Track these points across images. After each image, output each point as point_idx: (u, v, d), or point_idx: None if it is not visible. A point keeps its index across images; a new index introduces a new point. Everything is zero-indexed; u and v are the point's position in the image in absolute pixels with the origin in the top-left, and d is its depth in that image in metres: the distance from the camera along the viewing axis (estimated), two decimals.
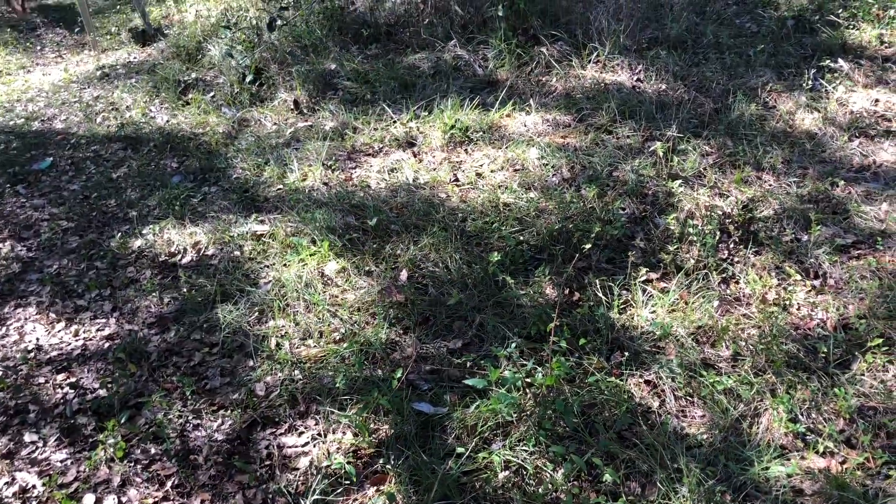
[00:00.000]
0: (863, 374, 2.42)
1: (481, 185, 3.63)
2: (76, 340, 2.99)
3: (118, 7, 7.50)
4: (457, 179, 3.74)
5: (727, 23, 4.89)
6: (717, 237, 3.01)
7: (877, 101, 3.93)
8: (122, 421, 2.52)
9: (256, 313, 2.98)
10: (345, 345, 2.72)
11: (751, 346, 2.55)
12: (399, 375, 2.49)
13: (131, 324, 3.05)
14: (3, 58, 6.66)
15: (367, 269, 3.11)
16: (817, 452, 2.19)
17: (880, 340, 2.50)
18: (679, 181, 3.36)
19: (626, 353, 2.56)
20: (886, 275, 2.82)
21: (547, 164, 3.70)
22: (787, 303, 2.73)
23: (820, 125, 3.76)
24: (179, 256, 3.46)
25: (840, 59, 4.21)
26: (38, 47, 7.02)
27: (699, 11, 5.01)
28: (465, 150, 4.01)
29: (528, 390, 2.40)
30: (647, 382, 2.48)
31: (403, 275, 3.05)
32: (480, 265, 3.03)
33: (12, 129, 5.06)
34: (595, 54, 4.55)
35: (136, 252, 3.53)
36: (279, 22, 5.05)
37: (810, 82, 4.03)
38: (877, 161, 3.52)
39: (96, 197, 4.08)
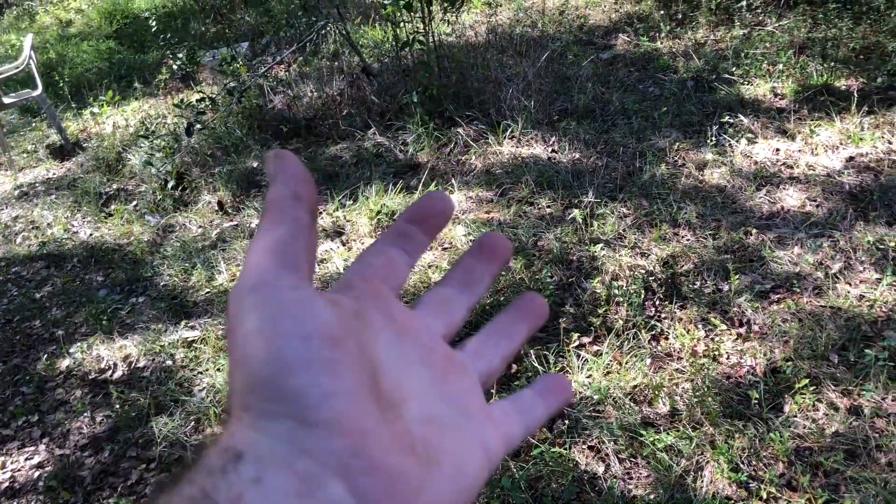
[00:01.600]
0: (795, 416, 2.49)
1: None
2: (3, 473, 2.86)
3: (33, 124, 7.44)
4: None
5: (631, 89, 5.13)
6: (643, 296, 3.09)
7: (777, 150, 4.15)
8: None
9: (193, 423, 2.90)
10: None
11: (686, 401, 2.60)
12: None
13: (63, 448, 2.94)
14: None
15: None
16: (761, 499, 2.23)
17: (807, 381, 2.58)
18: (601, 245, 3.46)
19: (567, 422, 2.57)
20: (806, 316, 2.92)
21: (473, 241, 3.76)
22: (717, 353, 2.81)
23: (728, 178, 3.94)
24: (110, 372, 3.37)
25: (739, 114, 4.45)
26: None
27: (604, 81, 5.25)
28: None
29: None
30: (591, 448, 2.50)
31: None
32: None
33: None
34: (510, 130, 4.70)
35: (65, 372, 3.43)
36: (198, 126, 5.09)
37: (714, 138, 4.24)
38: (784, 207, 3.69)
39: (19, 319, 3.96)
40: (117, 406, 3.11)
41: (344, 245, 4.03)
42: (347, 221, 4.24)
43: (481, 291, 0.44)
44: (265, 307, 0.30)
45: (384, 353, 0.34)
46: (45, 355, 3.56)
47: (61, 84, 7.13)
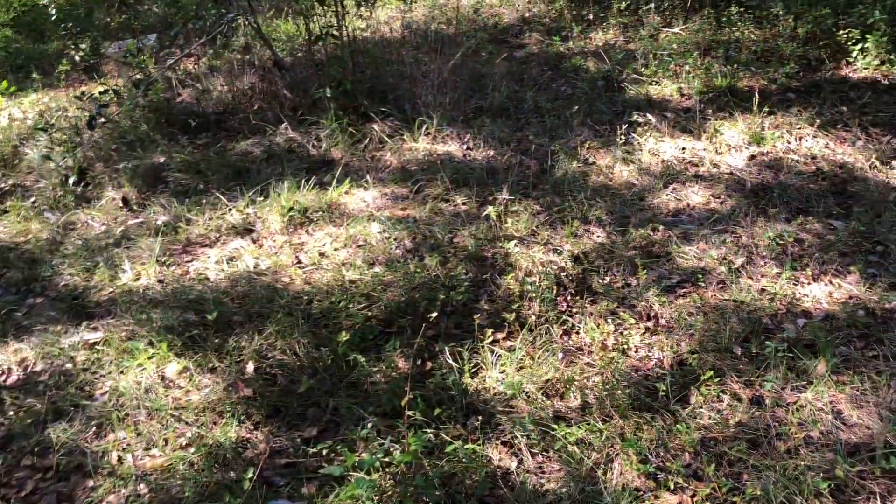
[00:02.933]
0: (700, 407, 2.56)
1: (325, 265, 3.61)
2: None
3: None
4: (299, 262, 3.70)
5: (544, 88, 5.19)
6: (555, 291, 3.13)
7: (683, 149, 4.27)
8: None
9: (94, 428, 2.78)
10: (192, 450, 2.59)
11: (596, 394, 2.65)
12: (250, 475, 2.38)
13: None
14: None
15: (210, 365, 2.99)
16: (669, 490, 2.28)
17: (712, 373, 2.66)
18: (514, 242, 3.48)
19: (481, 417, 2.58)
20: (710, 309, 3.02)
21: (389, 238, 3.74)
22: (626, 347, 2.87)
23: (636, 176, 4.03)
24: (4, 377, 3.19)
25: (647, 113, 4.56)
26: None
27: (518, 80, 5.30)
28: (307, 231, 3.99)
29: (386, 470, 2.36)
30: (504, 444, 2.51)
31: (250, 367, 2.96)
32: (329, 347, 2.99)
33: None
34: (424, 127, 4.69)
35: None
36: (101, 119, 4.88)
37: (623, 137, 4.33)
38: (690, 204, 3.80)
39: None
40: (11, 413, 2.94)
41: (255, 242, 3.94)
42: (259, 218, 4.15)
43: None
44: None
45: None
46: None
47: None
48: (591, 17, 6.07)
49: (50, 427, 2.80)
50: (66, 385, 3.04)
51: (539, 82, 5.27)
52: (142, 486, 2.49)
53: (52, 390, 3.03)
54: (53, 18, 7.52)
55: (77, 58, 6.85)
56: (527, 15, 6.44)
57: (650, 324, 2.98)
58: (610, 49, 5.55)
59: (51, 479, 2.60)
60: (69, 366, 3.16)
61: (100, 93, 5.01)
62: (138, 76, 5.36)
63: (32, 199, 4.80)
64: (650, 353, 2.84)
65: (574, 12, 6.18)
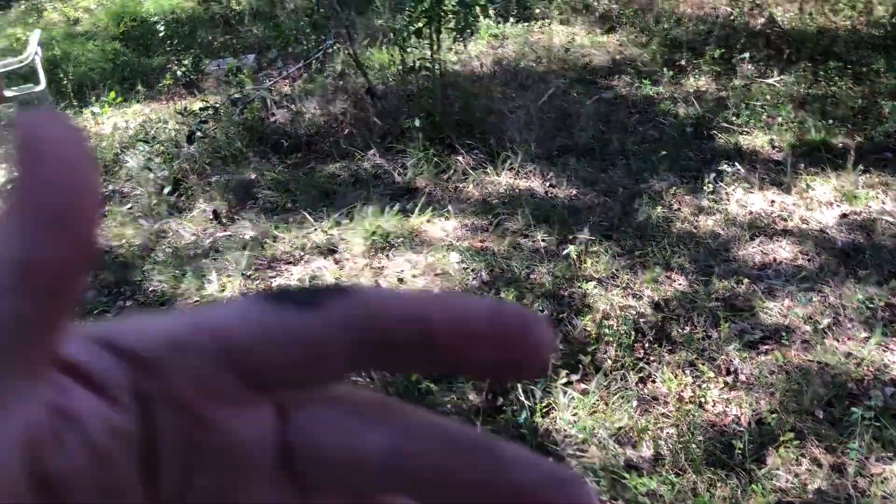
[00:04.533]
0: (778, 469, 2.49)
1: (403, 291, 3.66)
2: None
3: None
4: (378, 285, 3.77)
5: (631, 130, 5.18)
6: (633, 337, 3.10)
7: (773, 201, 4.19)
8: None
9: None
10: None
11: (670, 446, 2.60)
12: None
13: None
14: None
15: None
16: None
17: (791, 435, 2.59)
18: (593, 283, 3.47)
19: (551, 459, 2.56)
20: (793, 369, 2.94)
21: (467, 269, 3.78)
22: (703, 400, 2.81)
23: (722, 226, 3.97)
24: None
25: (737, 163, 4.49)
26: None
27: (605, 121, 5.30)
28: (387, 255, 4.06)
29: None
30: None
31: None
32: (402, 373, 3.02)
33: None
34: (508, 162, 4.73)
35: None
36: (199, 134, 5.09)
37: (710, 185, 4.28)
38: (776, 259, 3.72)
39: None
40: None
41: (336, 263, 4.03)
42: (342, 240, 4.24)
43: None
44: None
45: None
46: None
47: (65, 82, 7.12)
48: (683, 62, 6.03)
49: None
50: None
51: (626, 125, 5.25)
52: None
53: None
54: (161, 35, 7.90)
55: (179, 73, 7.16)
56: (618, 57, 6.44)
57: (729, 379, 2.92)
58: (701, 96, 5.51)
59: None
60: None
61: (200, 109, 5.23)
62: (236, 95, 5.58)
63: (129, 206, 5.02)
64: (728, 409, 2.78)
65: (666, 57, 6.16)
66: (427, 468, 0.22)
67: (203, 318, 0.21)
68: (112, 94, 6.51)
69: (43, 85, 6.42)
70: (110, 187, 5.34)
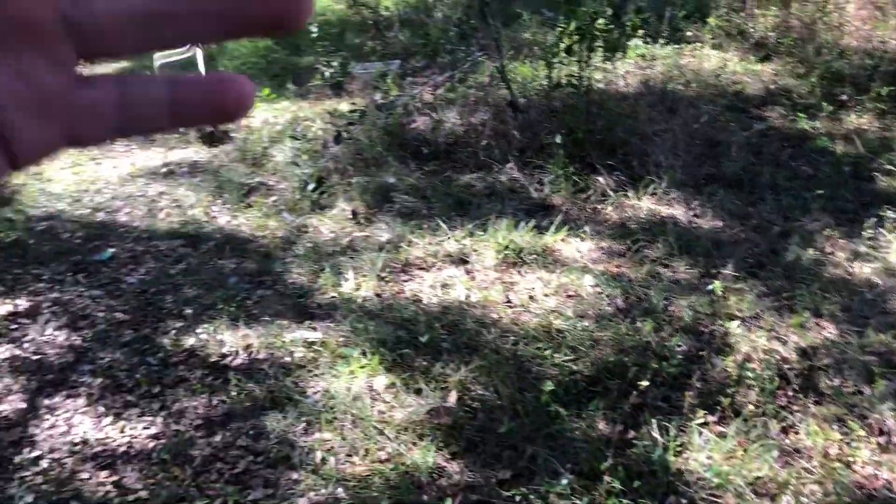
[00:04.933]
0: None
1: (534, 309, 3.64)
2: (122, 437, 2.98)
3: None
4: (509, 301, 3.75)
5: (783, 165, 4.95)
6: (777, 383, 2.94)
7: None
8: None
9: (304, 424, 2.95)
10: (390, 465, 2.68)
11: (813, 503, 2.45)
12: None
13: (178, 424, 3.04)
14: (76, 149, 6.96)
15: (416, 386, 3.09)
16: None
17: None
18: (736, 322, 3.33)
19: (683, 500, 2.47)
20: None
21: (602, 293, 3.70)
22: (851, 459, 2.64)
23: (881, 275, 3.73)
24: (230, 358, 3.47)
25: None
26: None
27: (755, 152, 5.09)
28: (518, 271, 4.04)
29: None
30: None
31: (453, 396, 3.02)
32: (532, 393, 2.99)
33: (78, 219, 5.23)
34: (651, 187, 4.61)
35: (189, 350, 3.56)
36: (345, 135, 5.24)
37: (870, 231, 4.02)
38: None
39: (154, 292, 4.15)
40: (234, 393, 3.20)
41: (468, 274, 4.04)
42: (473, 251, 4.25)
43: (147, 128, 0.32)
44: None
45: None
46: (173, 331, 3.71)
47: None
48: (844, 97, 5.72)
49: (267, 414, 3.01)
50: (283, 377, 3.26)
51: (778, 159, 5.03)
52: (340, 489, 2.61)
53: (271, 379, 3.26)
54: (313, 36, 8.19)
55: (327, 74, 7.40)
56: (772, 87, 6.18)
57: (882, 440, 2.73)
58: (862, 134, 5.20)
59: (261, 464, 2.79)
60: (288, 359, 3.39)
61: (349, 111, 5.37)
62: (382, 100, 5.70)
63: (274, 199, 5.22)
64: (879, 472, 2.60)
65: (825, 90, 5.86)
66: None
67: None
68: (266, 91, 6.80)
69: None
70: (257, 179, 5.57)
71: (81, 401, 3.23)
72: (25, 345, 3.65)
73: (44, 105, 0.28)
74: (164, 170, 6.21)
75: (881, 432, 2.77)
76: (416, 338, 3.39)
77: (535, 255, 4.13)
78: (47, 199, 5.59)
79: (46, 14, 0.27)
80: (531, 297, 3.76)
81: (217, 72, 0.31)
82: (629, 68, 6.57)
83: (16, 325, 3.82)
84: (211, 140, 6.70)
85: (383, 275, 4.03)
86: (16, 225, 4.94)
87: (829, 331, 3.33)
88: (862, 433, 2.74)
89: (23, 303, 4.03)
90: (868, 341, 3.23)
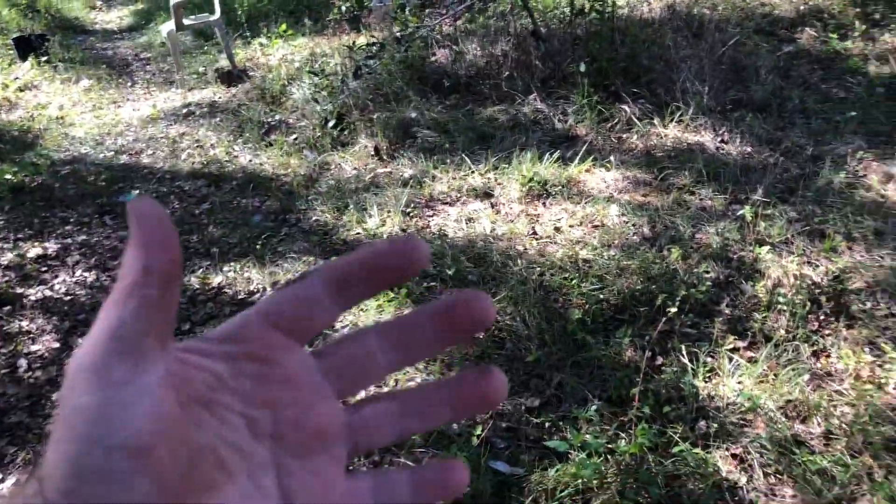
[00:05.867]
0: None
1: (559, 240, 3.61)
2: None
3: (205, 48, 7.78)
4: (535, 233, 3.73)
5: (813, 88, 4.81)
6: (808, 308, 2.91)
7: None
8: None
9: None
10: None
11: (845, 425, 2.44)
12: (479, 432, 2.45)
13: None
14: (96, 92, 6.95)
15: None
16: None
17: None
18: (766, 247, 3.28)
19: (713, 424, 2.47)
20: None
21: (627, 222, 3.66)
22: (883, 381, 2.62)
23: None
24: (258, 295, 3.50)
25: None
26: (129, 83, 7.32)
27: (784, 75, 4.95)
28: (543, 203, 4.00)
29: (609, 457, 2.33)
30: (734, 456, 2.39)
31: None
32: (559, 322, 2.99)
33: (101, 162, 5.25)
34: (678, 114, 4.51)
35: (216, 288, 3.59)
36: (364, 70, 5.16)
37: None
38: None
39: (179, 232, 4.14)
40: None
41: (493, 207, 4.01)
42: (498, 184, 4.22)
43: (419, 359, 0.37)
44: (89, 399, 0.29)
45: (223, 428, 0.33)
46: (201, 269, 3.74)
47: (239, 12, 7.40)
48: (878, 15, 5.52)
49: None
50: None
51: (808, 81, 4.89)
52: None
53: None
54: None
55: (343, 8, 7.27)
56: (802, 7, 5.98)
57: None
58: None
59: None
60: None
61: (367, 45, 5.29)
62: (400, 32, 5.60)
63: (294, 136, 5.19)
64: None
65: (859, 9, 5.65)
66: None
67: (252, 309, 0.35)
68: (283, 26, 6.71)
69: (218, 14, 6.70)
70: (277, 117, 5.53)
71: None
72: (56, 286, 3.70)
73: (326, 497, 0.35)
74: (185, 111, 6.19)
75: None
76: (443, 271, 3.39)
77: (559, 187, 4.09)
78: (70, 143, 5.60)
79: (337, 423, 0.36)
80: (557, 229, 3.73)
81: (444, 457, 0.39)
82: None
83: (46, 268, 3.87)
84: (229, 80, 6.65)
85: (408, 210, 4.02)
86: (40, 169, 4.96)
87: (861, 254, 3.28)
88: (894, 355, 2.71)
89: (52, 245, 4.07)
90: None
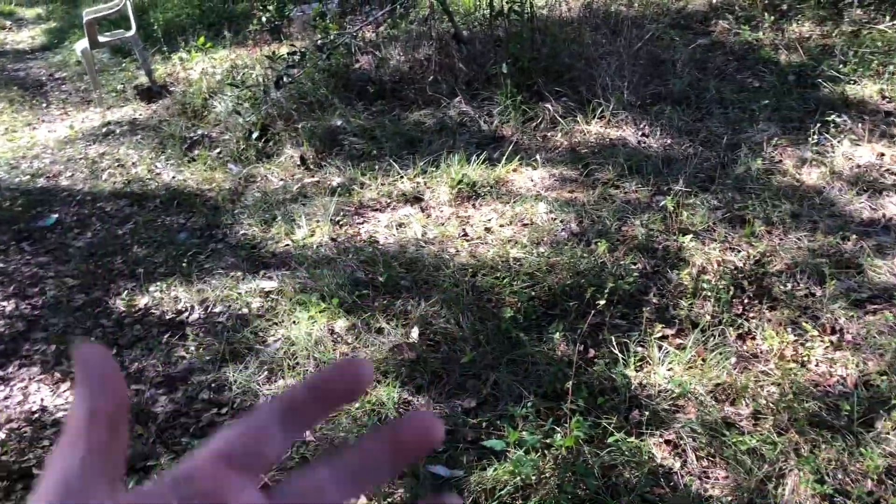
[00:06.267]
0: (888, 434, 2.38)
1: (490, 241, 3.63)
2: None
3: (123, 65, 7.59)
4: (466, 234, 3.73)
5: (729, 78, 4.95)
6: (731, 293, 2.99)
7: (882, 154, 3.96)
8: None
9: (266, 372, 2.93)
10: (356, 405, 2.67)
11: (771, 405, 2.51)
12: None
13: (138, 384, 2.99)
14: (9, 115, 6.70)
15: (377, 326, 3.08)
16: None
17: None
18: (689, 236, 3.35)
19: (646, 412, 2.51)
20: None
21: (555, 219, 3.70)
22: (806, 359, 2.70)
23: (827, 179, 3.78)
24: (187, 314, 3.42)
25: (843, 114, 4.25)
26: (44, 104, 7.08)
27: (700, 67, 5.08)
28: (473, 204, 4.01)
29: (546, 452, 2.34)
30: (668, 442, 2.43)
31: (415, 332, 3.01)
32: (493, 321, 3.00)
33: (17, 187, 5.06)
34: (599, 110, 4.59)
35: (143, 310, 3.50)
36: (286, 79, 5.10)
37: (815, 137, 4.06)
38: (886, 214, 3.52)
39: (102, 254, 4.05)
40: (192, 348, 3.15)
41: (423, 211, 4.00)
42: (427, 188, 4.21)
43: (370, 486, 0.37)
44: None
45: None
46: (126, 291, 3.64)
47: (155, 27, 7.24)
48: (785, 6, 5.71)
49: (227, 366, 2.98)
50: (241, 328, 3.22)
51: (724, 72, 5.02)
52: (307, 433, 2.60)
53: (229, 332, 3.22)
54: None
55: (264, 19, 7.18)
56: (714, 1, 6.14)
57: (834, 338, 2.79)
58: (804, 42, 5.21)
59: (225, 415, 2.77)
60: (245, 311, 3.35)
61: (287, 54, 5.23)
62: (321, 40, 5.55)
63: (218, 150, 5.10)
64: (833, 370, 2.66)
65: (767, 1, 5.84)
66: None
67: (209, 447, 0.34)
68: (201, 39, 6.58)
69: (133, 30, 6.54)
70: (200, 132, 5.42)
71: (36, 369, 3.17)
72: None
73: None
74: (104, 130, 6.02)
75: (833, 331, 2.83)
76: (375, 278, 3.36)
77: (488, 188, 4.11)
78: None
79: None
80: (487, 229, 3.75)
81: None
82: None
83: None
84: (149, 96, 6.50)
85: (337, 219, 3.98)
86: None
87: (780, 237, 3.38)
88: (815, 333, 2.80)
89: None
90: (818, 244, 3.29)
